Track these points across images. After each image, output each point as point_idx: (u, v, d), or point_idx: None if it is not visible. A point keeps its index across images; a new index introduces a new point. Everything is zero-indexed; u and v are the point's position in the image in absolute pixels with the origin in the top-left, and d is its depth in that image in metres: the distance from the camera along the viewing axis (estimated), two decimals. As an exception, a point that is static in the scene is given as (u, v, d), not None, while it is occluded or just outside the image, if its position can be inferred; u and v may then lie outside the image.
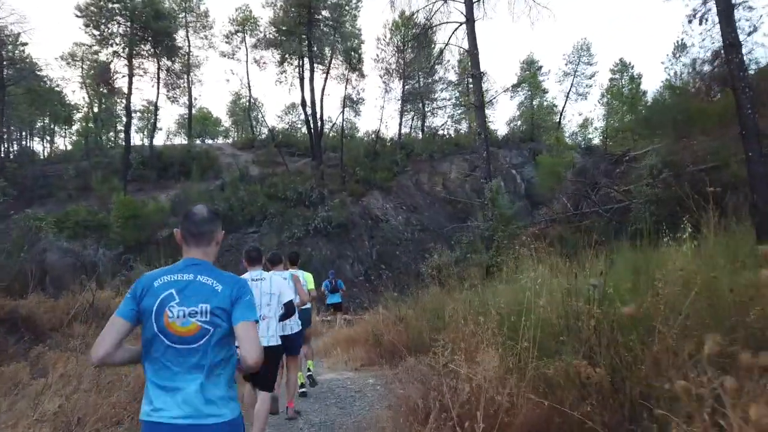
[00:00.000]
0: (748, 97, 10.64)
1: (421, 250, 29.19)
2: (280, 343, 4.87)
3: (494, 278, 12.44)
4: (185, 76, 37.50)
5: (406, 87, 38.96)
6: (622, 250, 6.31)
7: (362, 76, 34.46)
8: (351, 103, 38.05)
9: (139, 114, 44.71)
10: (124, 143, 32.17)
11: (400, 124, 38.86)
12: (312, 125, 31.84)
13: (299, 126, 48.05)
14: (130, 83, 30.84)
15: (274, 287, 4.88)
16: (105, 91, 34.86)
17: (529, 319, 4.58)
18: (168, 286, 2.17)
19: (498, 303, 5.46)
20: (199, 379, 2.12)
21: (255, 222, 26.00)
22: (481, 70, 15.96)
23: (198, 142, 40.96)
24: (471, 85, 40.95)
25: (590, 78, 46.03)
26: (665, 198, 13.27)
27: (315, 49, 31.73)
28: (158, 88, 33.46)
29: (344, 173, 31.56)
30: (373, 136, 39.23)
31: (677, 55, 32.94)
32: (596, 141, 43.62)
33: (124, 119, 32.33)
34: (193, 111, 49.18)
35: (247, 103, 40.90)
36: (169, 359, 2.13)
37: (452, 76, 45.23)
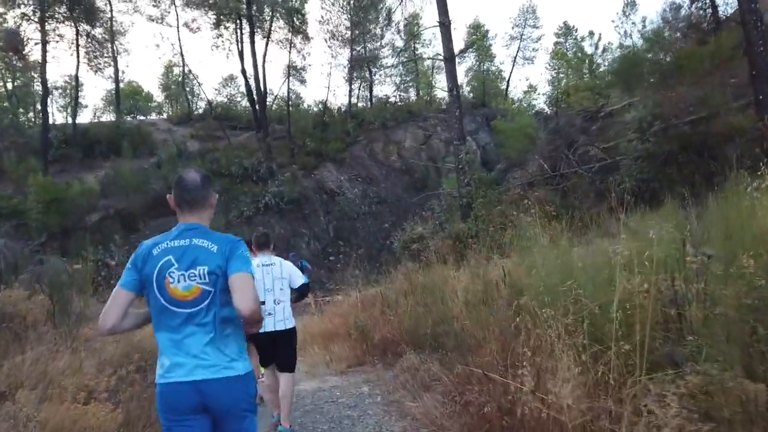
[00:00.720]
0: (759, 32, 9.47)
1: (381, 224, 27.69)
2: (294, 324, 4.81)
3: (474, 250, 11.06)
4: (109, 45, 33.79)
5: (353, 53, 36.80)
6: (707, 203, 4.94)
7: (307, 39, 32.02)
8: (295, 71, 35.58)
9: (60, 90, 40.53)
10: (42, 120, 28.59)
11: (350, 93, 36.78)
12: (255, 95, 29.27)
13: (239, 99, 44.97)
14: (44, 51, 27.09)
15: (284, 272, 4.75)
16: (16, 62, 30.80)
17: (625, 310, 3.08)
18: (166, 253, 2.20)
19: (552, 282, 3.84)
20: (209, 337, 2.17)
21: (198, 201, 23.58)
22: (447, 19, 14.26)
23: (129, 119, 37.37)
24: (415, 54, 39.72)
25: (536, 41, 45.41)
26: (656, 153, 12.17)
27: (254, 9, 28.94)
28: (78, 58, 29.86)
29: (293, 145, 29.38)
30: (320, 106, 36.99)
31: (627, 14, 32.42)
32: (541, 105, 43.36)
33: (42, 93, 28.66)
34: (121, 85, 45.28)
35: (181, 74, 37.50)
36: (177, 323, 2.17)
37: (399, 42, 43.46)
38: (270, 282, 4.59)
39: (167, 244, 2.23)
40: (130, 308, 2.19)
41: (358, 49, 37.88)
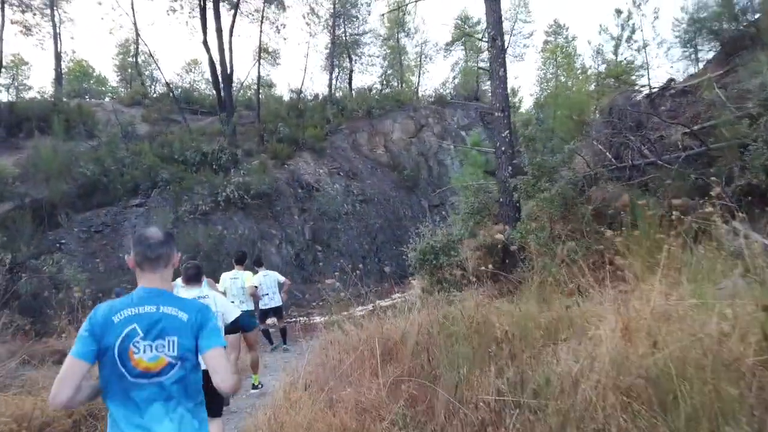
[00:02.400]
0: None
1: (365, 226, 23.36)
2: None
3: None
4: (49, 11, 28.69)
5: (334, 34, 32.51)
6: None
7: (282, 7, 27.50)
8: (267, 53, 31.08)
9: (5, 69, 34.86)
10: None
11: (331, 74, 32.38)
12: (219, 71, 24.59)
13: (203, 87, 40.19)
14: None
15: (218, 306, 4.61)
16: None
17: None
18: (130, 321, 2.10)
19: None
20: (174, 410, 2.08)
21: (141, 191, 18.80)
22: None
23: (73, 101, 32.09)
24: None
25: (528, 38, 42.13)
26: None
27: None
28: (2, 16, 24.59)
29: (262, 131, 24.80)
30: (296, 93, 32.45)
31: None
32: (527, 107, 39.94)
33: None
34: (70, 63, 39.97)
35: (134, 48, 32.42)
36: (137, 396, 2.06)
37: (382, 30, 39.50)
38: None
39: (131, 311, 2.11)
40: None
41: (338, 32, 33.71)
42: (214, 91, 26.59)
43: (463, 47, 42.49)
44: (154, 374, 2.08)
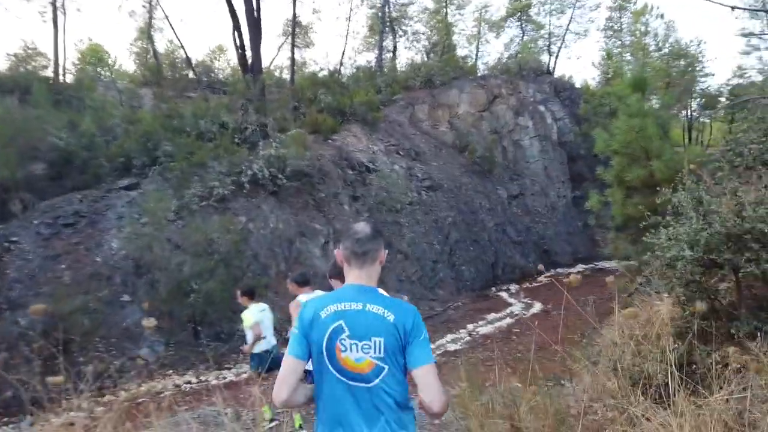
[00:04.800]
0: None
1: (434, 220, 17.61)
2: None
3: None
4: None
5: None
6: None
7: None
8: (300, 28, 25.79)
9: None
10: None
11: (380, 45, 26.81)
12: (247, 18, 19.10)
13: (228, 73, 35.11)
14: None
15: None
16: None
17: None
18: (336, 317, 1.97)
19: None
20: (379, 426, 1.93)
21: (135, 170, 13.41)
22: None
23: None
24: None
25: (594, 10, 35.91)
26: None
27: None
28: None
29: (299, 99, 19.26)
30: (335, 66, 26.93)
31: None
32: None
33: None
34: (83, 45, 35.53)
35: (148, 14, 27.42)
36: (345, 398, 1.95)
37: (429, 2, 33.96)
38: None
39: (338, 306, 1.99)
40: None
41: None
42: (237, 59, 21.17)
43: (519, 23, 36.66)
44: (361, 376, 1.92)
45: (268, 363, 6.11)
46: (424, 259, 16.13)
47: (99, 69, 36.31)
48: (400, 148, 19.12)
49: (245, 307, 6.52)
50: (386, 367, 1.93)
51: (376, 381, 1.92)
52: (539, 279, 18.95)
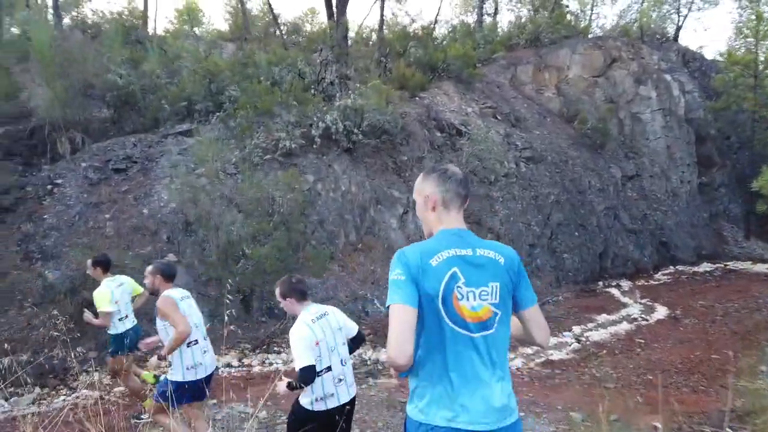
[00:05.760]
0: None
1: (534, 196, 15.00)
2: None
3: None
4: None
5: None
6: None
7: None
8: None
9: None
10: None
11: (480, 6, 23.95)
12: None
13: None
14: None
15: (340, 320, 3.51)
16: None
17: None
18: (450, 263, 1.82)
19: None
20: (499, 373, 1.83)
21: (196, 114, 11.92)
22: None
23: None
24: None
25: None
26: None
27: None
28: None
29: (386, 52, 17.07)
30: (429, 23, 24.39)
31: None
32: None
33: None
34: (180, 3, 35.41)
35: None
36: (464, 351, 1.80)
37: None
38: (332, 337, 3.31)
39: (449, 252, 1.84)
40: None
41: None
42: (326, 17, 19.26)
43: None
44: (479, 325, 1.81)
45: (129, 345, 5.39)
46: (519, 241, 13.62)
47: (192, 26, 36.21)
48: (498, 111, 16.51)
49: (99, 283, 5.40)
50: (500, 312, 1.85)
51: (493, 329, 1.82)
52: (656, 276, 15.85)
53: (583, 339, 9.66)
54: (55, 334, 8.04)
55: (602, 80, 19.99)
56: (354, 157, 12.14)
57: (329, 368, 3.24)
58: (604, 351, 8.90)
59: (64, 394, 6.68)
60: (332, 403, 3.23)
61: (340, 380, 3.28)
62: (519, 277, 1.90)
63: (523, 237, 13.90)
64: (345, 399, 3.28)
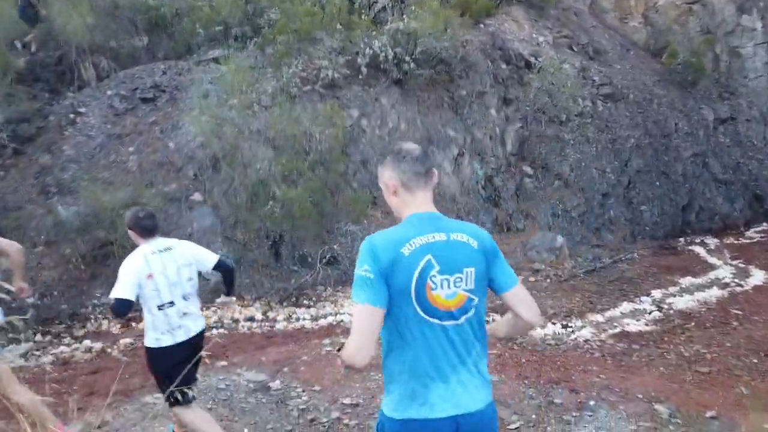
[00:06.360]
0: None
1: (612, 139, 13.16)
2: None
3: None
4: None
5: None
6: None
7: None
8: None
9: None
10: None
11: None
12: None
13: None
14: None
15: (188, 255, 3.41)
16: None
17: None
18: (423, 252, 1.66)
19: None
20: (472, 361, 1.73)
21: (228, 38, 10.80)
22: None
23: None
24: None
25: None
26: None
27: None
28: None
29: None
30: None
31: None
32: None
33: None
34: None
35: None
36: (436, 342, 1.68)
37: None
38: (174, 272, 3.25)
39: (422, 239, 1.68)
40: None
41: None
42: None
43: None
44: (451, 313, 1.68)
45: None
46: (591, 190, 11.99)
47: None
48: (574, 42, 14.43)
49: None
50: (476, 298, 1.74)
51: (468, 316, 1.73)
52: (748, 234, 13.80)
53: (665, 306, 8.15)
54: (64, 277, 7.53)
55: (698, 7, 17.19)
56: (404, 90, 10.74)
57: (171, 303, 3.21)
58: (693, 323, 7.41)
59: (66, 344, 6.04)
60: (180, 336, 3.21)
61: (185, 314, 3.28)
62: (495, 259, 1.76)
63: (596, 185, 12.21)
64: (194, 332, 3.31)
